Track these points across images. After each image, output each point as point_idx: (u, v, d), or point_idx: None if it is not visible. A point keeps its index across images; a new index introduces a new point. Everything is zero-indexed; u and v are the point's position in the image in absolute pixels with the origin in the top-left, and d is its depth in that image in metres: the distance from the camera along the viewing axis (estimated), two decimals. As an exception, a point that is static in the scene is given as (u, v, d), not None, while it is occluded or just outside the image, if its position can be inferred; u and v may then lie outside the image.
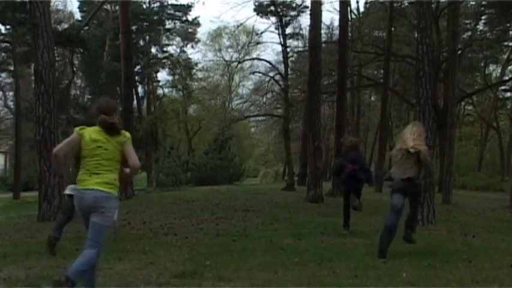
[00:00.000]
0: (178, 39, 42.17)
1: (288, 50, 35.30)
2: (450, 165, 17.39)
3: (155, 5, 39.95)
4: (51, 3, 28.62)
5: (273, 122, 42.05)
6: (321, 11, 16.39)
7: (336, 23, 26.73)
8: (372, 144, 38.26)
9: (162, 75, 45.97)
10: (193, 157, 35.03)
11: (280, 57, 35.76)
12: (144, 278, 5.28)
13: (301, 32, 35.03)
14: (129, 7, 20.11)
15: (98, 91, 33.17)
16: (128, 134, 4.32)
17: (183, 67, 40.91)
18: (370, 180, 9.61)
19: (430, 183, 10.21)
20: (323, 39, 23.84)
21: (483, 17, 29.29)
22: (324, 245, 7.39)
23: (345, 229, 8.71)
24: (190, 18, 40.30)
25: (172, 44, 42.42)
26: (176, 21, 41.02)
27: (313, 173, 14.64)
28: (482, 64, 34.33)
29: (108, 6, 35.11)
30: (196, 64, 42.27)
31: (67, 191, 6.98)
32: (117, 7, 26.32)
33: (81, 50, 31.76)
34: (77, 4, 44.04)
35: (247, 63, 38.82)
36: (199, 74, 43.40)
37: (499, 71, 38.23)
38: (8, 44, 28.54)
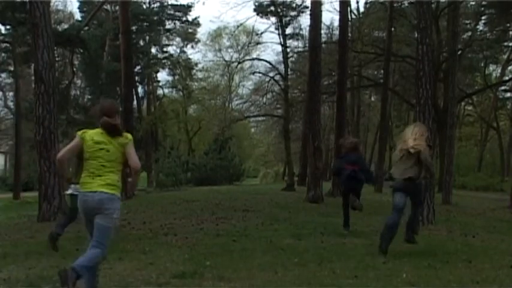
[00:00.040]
0: (178, 39, 42.25)
1: (288, 50, 35.34)
2: (450, 166, 17.40)
3: (155, 5, 40.00)
4: (51, 3, 28.60)
5: (273, 122, 42.06)
6: (321, 11, 16.42)
7: (336, 23, 26.84)
8: (372, 145, 38.28)
9: (162, 76, 46.07)
10: (193, 157, 35.05)
11: (280, 58, 35.84)
12: (144, 278, 5.28)
13: (301, 32, 35.13)
14: (129, 7, 20.12)
15: (98, 91, 33.21)
16: (129, 136, 4.35)
17: (183, 67, 40.93)
18: (371, 180, 9.61)
19: (431, 183, 10.20)
20: (323, 40, 23.86)
21: (483, 17, 29.31)
22: (324, 245, 7.38)
23: (345, 229, 8.70)
24: (190, 18, 40.41)
25: (172, 44, 42.56)
26: (176, 22, 41.08)
27: (313, 173, 14.63)
28: (482, 64, 34.34)
29: (108, 7, 35.10)
30: (196, 64, 42.40)
31: (69, 191, 6.96)
32: (117, 7, 26.32)
33: (81, 50, 31.74)
34: (77, 4, 44.07)
35: (247, 64, 38.92)
36: (199, 74, 43.50)
37: (499, 71, 38.29)
38: (8, 44, 28.52)
